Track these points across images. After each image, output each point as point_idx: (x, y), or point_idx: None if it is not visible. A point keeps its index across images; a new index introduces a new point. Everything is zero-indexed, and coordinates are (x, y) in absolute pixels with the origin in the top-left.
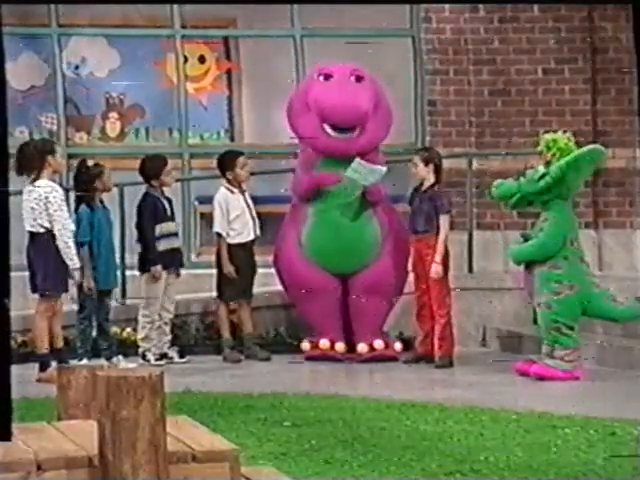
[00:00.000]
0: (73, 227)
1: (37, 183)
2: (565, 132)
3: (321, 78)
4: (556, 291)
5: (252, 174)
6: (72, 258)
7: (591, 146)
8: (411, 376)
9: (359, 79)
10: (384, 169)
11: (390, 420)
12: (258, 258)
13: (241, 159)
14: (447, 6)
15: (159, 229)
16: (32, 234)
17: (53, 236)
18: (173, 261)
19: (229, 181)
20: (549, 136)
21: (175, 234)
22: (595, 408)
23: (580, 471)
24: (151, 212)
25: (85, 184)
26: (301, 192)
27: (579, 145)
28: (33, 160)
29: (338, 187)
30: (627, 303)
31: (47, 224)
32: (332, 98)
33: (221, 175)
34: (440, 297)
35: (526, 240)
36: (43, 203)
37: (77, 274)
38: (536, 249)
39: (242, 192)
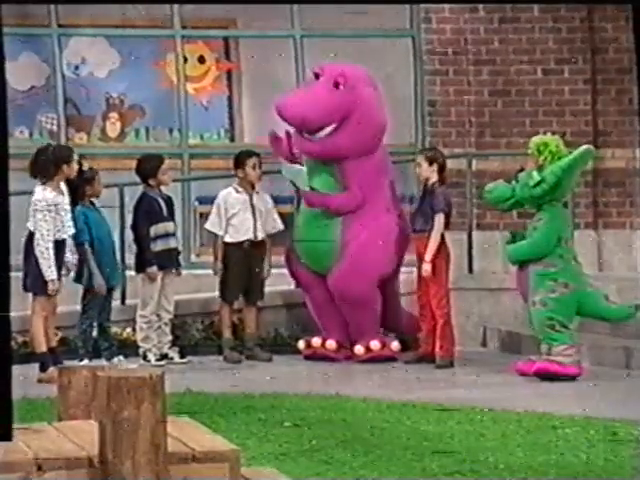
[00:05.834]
0: (71, 231)
1: (40, 188)
2: (554, 134)
3: (312, 76)
4: (552, 289)
5: None
6: (45, 270)
7: (582, 148)
8: (411, 376)
9: (336, 85)
10: (301, 168)
11: (390, 420)
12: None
13: (252, 159)
14: (447, 6)
15: (155, 230)
16: (30, 233)
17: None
18: (169, 261)
19: (239, 180)
20: (539, 139)
21: (172, 234)
22: (595, 408)
23: (580, 471)
24: (146, 212)
25: (77, 187)
26: None
27: (568, 145)
28: (48, 167)
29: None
30: (620, 303)
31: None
32: (284, 100)
33: (233, 173)
34: (438, 297)
35: (514, 237)
36: (32, 209)
37: (51, 285)
38: (531, 248)
39: (250, 193)
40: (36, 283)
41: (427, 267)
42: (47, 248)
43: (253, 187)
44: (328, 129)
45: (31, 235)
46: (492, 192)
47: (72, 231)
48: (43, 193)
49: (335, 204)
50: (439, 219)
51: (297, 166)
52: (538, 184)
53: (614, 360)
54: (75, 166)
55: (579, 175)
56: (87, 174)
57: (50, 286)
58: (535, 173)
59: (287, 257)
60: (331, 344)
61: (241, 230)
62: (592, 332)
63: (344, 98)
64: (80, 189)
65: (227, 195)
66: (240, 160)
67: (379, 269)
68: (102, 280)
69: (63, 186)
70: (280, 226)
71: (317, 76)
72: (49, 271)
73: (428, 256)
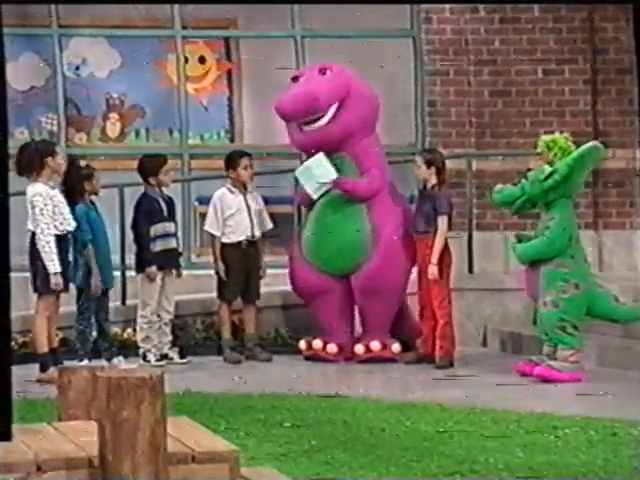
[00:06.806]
0: (73, 224)
1: (30, 185)
2: (562, 132)
3: (290, 82)
4: (563, 290)
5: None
6: (48, 263)
7: (592, 143)
8: (411, 377)
9: (323, 72)
10: (321, 157)
11: (390, 421)
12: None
13: (244, 160)
14: (448, 6)
15: (154, 230)
16: (32, 233)
17: None
18: (169, 262)
19: (232, 180)
20: (548, 137)
21: (173, 235)
22: (595, 409)
23: (580, 472)
24: (147, 212)
25: (74, 184)
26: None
27: (577, 145)
28: (33, 162)
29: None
30: (629, 304)
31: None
32: (283, 95)
33: (225, 174)
34: (440, 297)
35: (520, 241)
36: (31, 206)
37: (54, 279)
38: (544, 247)
39: (244, 193)
40: (43, 283)
41: (434, 269)
42: (48, 242)
43: (245, 187)
44: (331, 111)
45: (34, 236)
46: (501, 192)
47: (74, 224)
48: (35, 189)
49: (364, 188)
50: (443, 221)
51: (316, 156)
52: (550, 175)
53: (616, 360)
54: (61, 159)
55: (589, 172)
56: (84, 170)
57: (53, 280)
58: (546, 167)
59: (291, 261)
60: (332, 348)
61: (238, 230)
62: (599, 333)
63: (335, 80)
64: (78, 186)
65: (222, 196)
66: (232, 161)
67: (413, 256)
68: (99, 281)
69: (52, 183)
70: (270, 225)
71: (295, 79)
72: (51, 265)
73: (434, 258)
